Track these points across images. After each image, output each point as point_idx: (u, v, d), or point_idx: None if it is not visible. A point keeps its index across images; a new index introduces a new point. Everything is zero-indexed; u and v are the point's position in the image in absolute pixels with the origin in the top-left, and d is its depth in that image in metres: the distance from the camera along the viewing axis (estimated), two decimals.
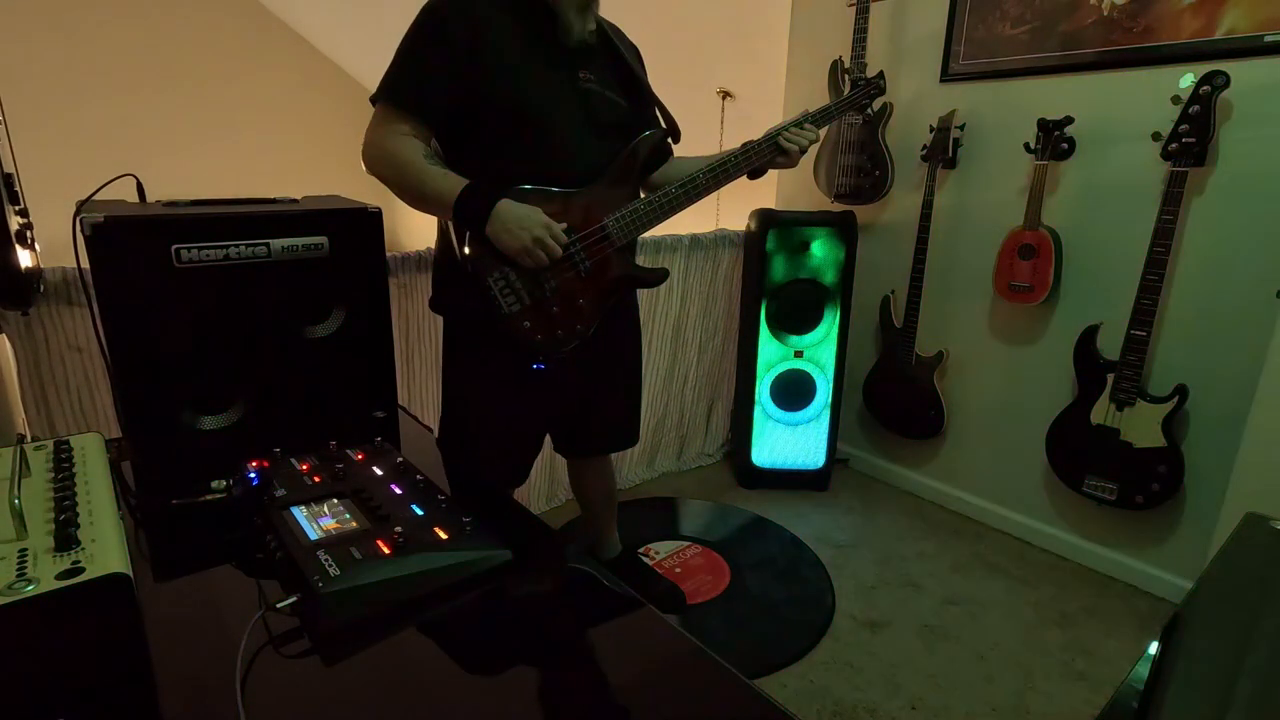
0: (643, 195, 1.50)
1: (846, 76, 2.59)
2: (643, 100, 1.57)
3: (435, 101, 1.35)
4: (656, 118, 1.61)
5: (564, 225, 1.36)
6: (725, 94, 3.77)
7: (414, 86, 1.35)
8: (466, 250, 1.35)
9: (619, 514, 2.11)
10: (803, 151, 1.53)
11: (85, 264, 1.07)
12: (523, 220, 1.31)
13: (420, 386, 2.21)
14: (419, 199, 1.36)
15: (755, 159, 1.51)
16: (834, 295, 2.67)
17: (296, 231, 1.20)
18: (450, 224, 1.39)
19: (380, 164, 1.36)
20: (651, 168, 1.60)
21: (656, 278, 1.55)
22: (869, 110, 2.56)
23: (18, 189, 1.19)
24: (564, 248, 1.36)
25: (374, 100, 1.38)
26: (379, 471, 1.02)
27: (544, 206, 1.34)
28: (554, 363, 1.50)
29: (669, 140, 1.61)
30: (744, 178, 1.55)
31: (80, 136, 5.03)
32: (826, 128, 1.66)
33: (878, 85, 1.92)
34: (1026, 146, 2.24)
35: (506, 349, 1.43)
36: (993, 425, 2.58)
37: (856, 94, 1.82)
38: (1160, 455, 2.05)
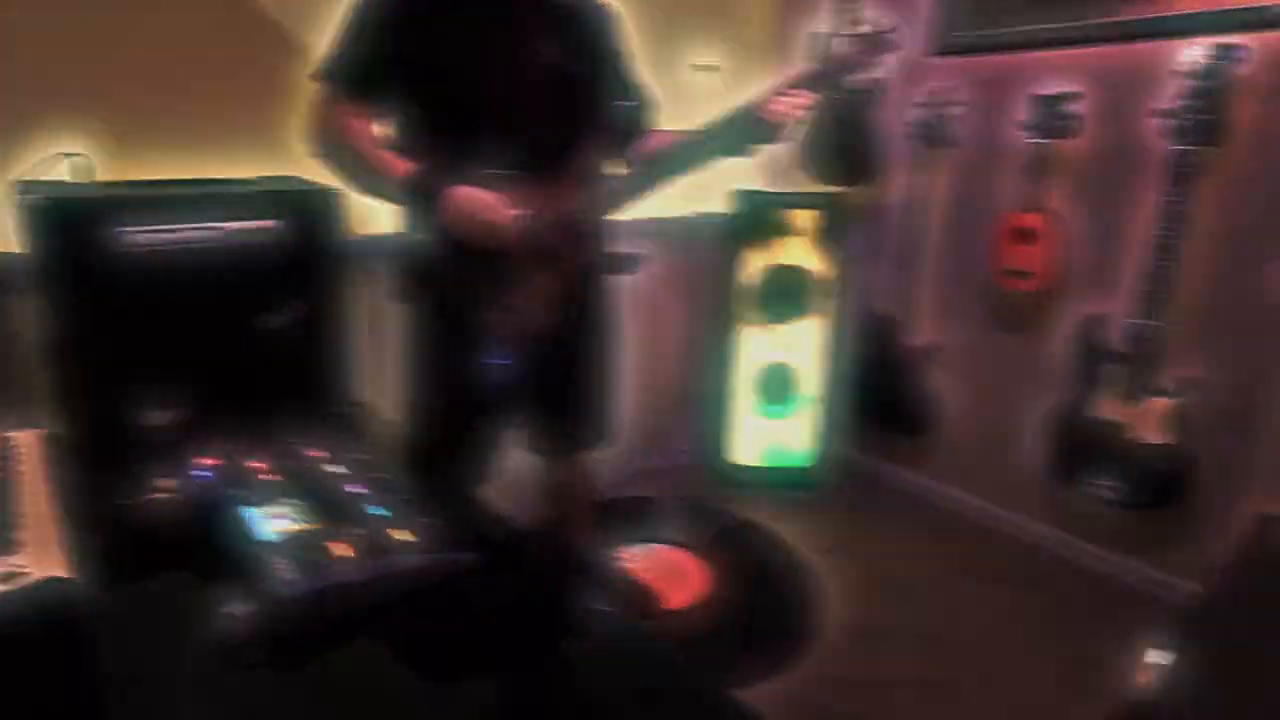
0: (612, 175, 1.45)
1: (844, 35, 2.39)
2: (615, 72, 1.51)
3: (380, 82, 1.32)
4: (631, 91, 1.54)
5: (524, 210, 1.31)
6: (705, 67, 3.68)
7: (357, 65, 1.31)
8: (419, 236, 1.33)
9: (593, 514, 2.03)
10: (790, 122, 1.37)
11: (26, 248, 1.06)
12: (476, 204, 1.27)
13: (381, 379, 2.13)
14: (365, 185, 1.33)
15: (734, 134, 1.37)
16: (819, 282, 2.61)
17: (249, 213, 1.20)
18: (404, 209, 1.36)
19: (324, 148, 1.33)
20: (623, 145, 1.53)
21: (626, 265, 1.50)
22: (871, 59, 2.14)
23: None
24: (523, 232, 1.31)
25: (314, 78, 1.32)
26: (338, 469, 1.02)
27: (501, 189, 1.29)
28: (512, 353, 1.44)
29: (645, 116, 1.55)
30: (726, 157, 1.41)
31: (28, 109, 4.82)
32: (816, 96, 1.45)
33: (889, 40, 1.38)
34: (1025, 124, 2.18)
35: (464, 337, 1.39)
36: (988, 420, 2.53)
37: (861, 51, 1.37)
38: (1168, 452, 1.99)
